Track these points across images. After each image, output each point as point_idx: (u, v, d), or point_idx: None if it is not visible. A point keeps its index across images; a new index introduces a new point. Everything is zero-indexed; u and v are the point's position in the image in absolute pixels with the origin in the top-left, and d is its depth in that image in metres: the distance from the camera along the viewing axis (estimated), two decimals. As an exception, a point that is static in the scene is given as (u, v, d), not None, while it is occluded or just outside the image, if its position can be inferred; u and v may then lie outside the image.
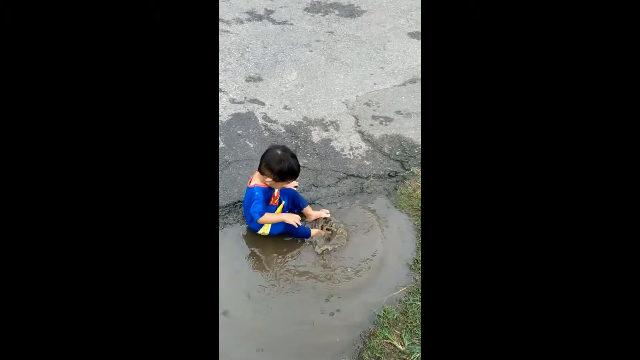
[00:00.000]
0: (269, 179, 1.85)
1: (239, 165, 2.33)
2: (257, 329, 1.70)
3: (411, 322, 1.75)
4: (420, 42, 3.52)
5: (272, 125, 2.63)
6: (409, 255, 2.02)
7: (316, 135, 2.60)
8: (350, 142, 2.58)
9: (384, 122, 2.74)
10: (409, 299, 1.84)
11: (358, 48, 3.43)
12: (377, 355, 1.64)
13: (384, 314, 1.77)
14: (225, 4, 3.79)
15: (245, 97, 2.81)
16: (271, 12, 3.79)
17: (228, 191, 2.17)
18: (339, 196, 2.27)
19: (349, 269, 1.95)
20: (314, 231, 2.04)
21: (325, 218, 2.13)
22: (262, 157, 1.86)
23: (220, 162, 2.31)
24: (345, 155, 2.50)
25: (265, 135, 2.55)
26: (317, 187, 2.31)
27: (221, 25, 3.49)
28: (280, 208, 2.02)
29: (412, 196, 2.29)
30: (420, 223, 2.14)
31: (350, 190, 2.31)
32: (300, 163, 2.36)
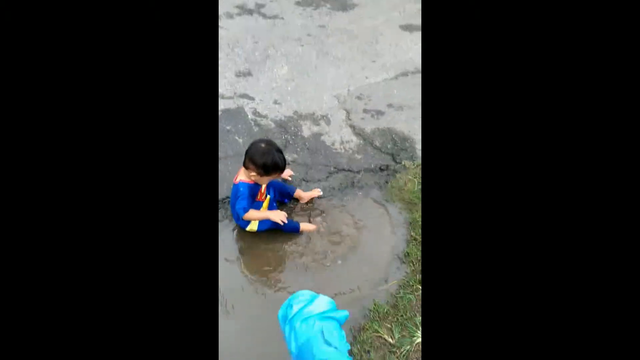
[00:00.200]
0: (253, 174, 1.83)
1: (228, 161, 2.31)
2: (248, 322, 1.69)
3: (402, 315, 1.74)
4: (412, 34, 3.50)
5: (262, 120, 2.61)
6: (400, 249, 2.01)
7: (307, 129, 2.58)
8: (341, 136, 2.56)
9: (375, 116, 2.72)
10: (399, 292, 1.83)
11: (350, 42, 3.40)
12: (367, 349, 1.63)
13: (374, 308, 1.76)
14: (215, -1, 3.75)
15: (235, 92, 2.79)
16: (262, 6, 3.76)
17: (217, 187, 2.15)
18: (329, 190, 2.25)
19: (339, 262, 1.94)
20: (303, 225, 2.03)
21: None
22: (247, 152, 1.84)
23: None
24: (336, 149, 2.48)
25: (255, 130, 2.53)
26: (307, 181, 2.29)
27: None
28: (266, 202, 2.00)
29: (404, 189, 2.27)
30: (412, 216, 2.13)
31: (341, 184, 2.29)
32: (290, 158, 2.35)
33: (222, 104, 2.68)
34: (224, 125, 2.53)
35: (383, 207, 2.19)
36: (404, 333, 1.68)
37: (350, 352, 1.19)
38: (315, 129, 2.60)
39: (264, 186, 1.95)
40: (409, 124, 2.66)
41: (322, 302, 1.22)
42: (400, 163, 2.42)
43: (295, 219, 2.09)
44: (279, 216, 1.91)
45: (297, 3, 3.84)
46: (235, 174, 1.96)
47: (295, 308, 1.20)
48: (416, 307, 1.77)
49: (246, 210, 1.86)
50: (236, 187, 1.88)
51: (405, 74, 3.10)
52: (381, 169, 2.39)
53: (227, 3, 3.72)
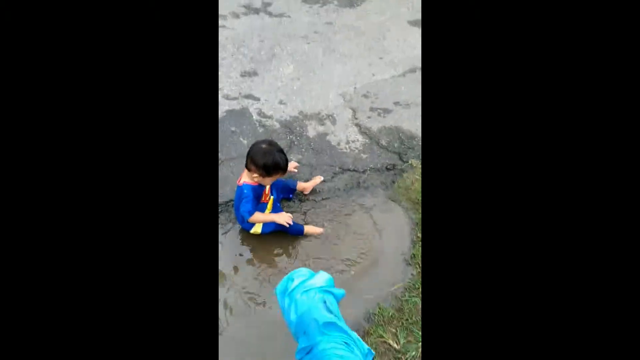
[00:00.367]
0: (256, 175, 1.81)
1: (232, 163, 2.29)
2: (250, 326, 1.68)
3: (407, 319, 1.70)
4: (420, 30, 3.43)
5: (267, 121, 2.58)
6: (406, 250, 1.97)
7: (312, 129, 2.55)
8: (347, 136, 2.52)
9: (382, 114, 2.67)
10: (404, 295, 1.79)
11: (357, 38, 3.35)
12: (371, 354, 1.60)
13: (379, 312, 1.73)
14: (222, -1, 3.74)
15: (240, 93, 2.77)
16: (268, 4, 3.73)
17: (220, 190, 2.14)
18: (334, 191, 2.22)
19: (344, 265, 1.91)
20: (307, 227, 2.00)
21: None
22: (248, 153, 1.82)
23: (213, 160, 2.28)
24: (341, 149, 2.45)
25: (260, 131, 2.51)
26: (312, 182, 2.26)
27: (217, 21, 3.45)
28: (270, 203, 1.98)
29: (410, 189, 2.23)
30: (418, 217, 2.09)
31: (347, 185, 2.26)
32: (294, 159, 2.32)
33: (227, 105, 2.67)
34: (228, 127, 2.51)
35: (389, 207, 2.15)
36: (409, 338, 1.64)
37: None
38: (321, 128, 2.57)
39: (267, 187, 1.93)
40: (416, 122, 2.61)
41: (322, 278, 1.29)
42: (407, 162, 2.37)
43: (299, 221, 2.06)
44: (284, 218, 1.89)
45: (304, 1, 3.80)
46: (239, 176, 1.95)
47: (296, 281, 1.25)
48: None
49: (251, 214, 1.84)
50: (240, 189, 1.87)
51: (413, 70, 3.04)
52: (387, 169, 2.35)
53: (233, 2, 3.70)
